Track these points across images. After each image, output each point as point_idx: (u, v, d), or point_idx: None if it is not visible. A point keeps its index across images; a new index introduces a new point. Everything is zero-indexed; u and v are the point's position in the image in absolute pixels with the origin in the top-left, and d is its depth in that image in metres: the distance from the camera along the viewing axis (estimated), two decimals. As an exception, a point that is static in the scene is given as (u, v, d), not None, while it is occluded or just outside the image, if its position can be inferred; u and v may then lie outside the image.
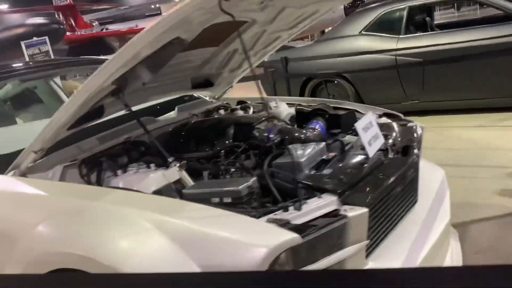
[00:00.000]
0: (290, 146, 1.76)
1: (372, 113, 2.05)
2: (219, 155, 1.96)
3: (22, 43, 8.27)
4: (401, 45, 4.80)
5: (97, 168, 1.92)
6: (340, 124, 2.17)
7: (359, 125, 1.77)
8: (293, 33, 2.46)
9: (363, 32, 5.11)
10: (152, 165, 1.77)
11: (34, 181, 1.78)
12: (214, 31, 1.86)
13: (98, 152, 2.01)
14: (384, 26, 4.99)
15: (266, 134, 1.97)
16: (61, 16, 16.49)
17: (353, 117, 2.26)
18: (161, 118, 2.52)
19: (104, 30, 14.73)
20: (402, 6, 4.92)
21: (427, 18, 5.25)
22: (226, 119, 2.23)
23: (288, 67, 5.10)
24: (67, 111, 1.73)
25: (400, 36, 4.88)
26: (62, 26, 9.43)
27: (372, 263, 1.53)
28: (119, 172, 1.79)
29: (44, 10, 17.88)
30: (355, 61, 4.97)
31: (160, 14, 24.59)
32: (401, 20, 4.90)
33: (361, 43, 5.06)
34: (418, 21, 5.14)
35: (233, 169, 1.84)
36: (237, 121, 2.15)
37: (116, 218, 1.42)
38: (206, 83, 2.70)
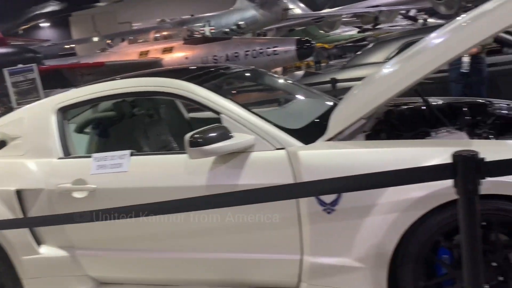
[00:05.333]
0: None
1: None
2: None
3: (5, 70, 7.84)
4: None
5: (379, 136, 2.34)
6: None
7: None
8: None
9: (387, 60, 5.93)
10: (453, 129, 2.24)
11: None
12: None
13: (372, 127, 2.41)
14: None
15: (499, 111, 2.52)
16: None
17: None
18: None
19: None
20: (421, 37, 5.87)
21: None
22: (454, 103, 2.75)
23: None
24: (397, 88, 2.11)
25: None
26: (38, 55, 9.03)
27: None
28: (433, 133, 2.21)
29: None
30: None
31: (75, 54, 23.89)
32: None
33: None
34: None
35: (491, 136, 2.35)
36: (467, 104, 2.68)
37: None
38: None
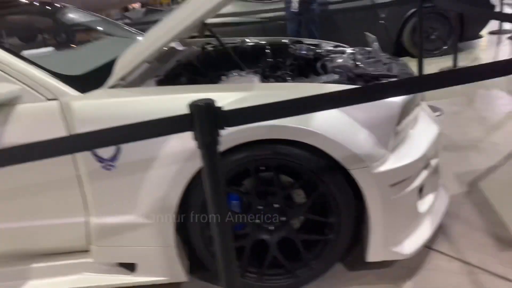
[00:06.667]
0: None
1: None
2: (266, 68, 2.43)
3: None
4: (265, 7, 5.69)
5: (176, 81, 2.19)
6: None
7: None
8: None
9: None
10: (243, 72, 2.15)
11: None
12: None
13: (169, 70, 2.24)
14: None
15: (299, 51, 2.51)
16: None
17: None
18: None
19: None
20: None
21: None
22: (259, 44, 2.65)
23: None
24: (172, 30, 1.94)
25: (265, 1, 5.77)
26: None
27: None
28: (223, 77, 2.10)
29: None
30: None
31: None
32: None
33: (230, 8, 5.71)
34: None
35: (288, 78, 2.33)
36: (270, 45, 2.60)
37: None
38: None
